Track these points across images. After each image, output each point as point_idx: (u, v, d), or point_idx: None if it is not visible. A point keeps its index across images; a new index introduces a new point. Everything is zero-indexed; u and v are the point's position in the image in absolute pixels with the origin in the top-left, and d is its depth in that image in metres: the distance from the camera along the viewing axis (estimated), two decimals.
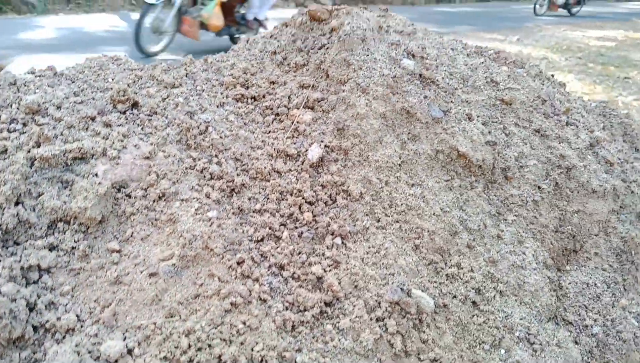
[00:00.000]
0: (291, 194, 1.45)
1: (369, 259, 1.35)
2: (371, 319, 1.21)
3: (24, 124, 1.44)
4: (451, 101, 1.72)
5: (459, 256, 1.45)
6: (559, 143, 1.76)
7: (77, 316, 1.10)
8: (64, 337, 1.06)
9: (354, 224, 1.43)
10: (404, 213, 1.47)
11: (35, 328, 1.07)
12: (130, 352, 1.05)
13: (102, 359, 1.02)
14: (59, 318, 1.08)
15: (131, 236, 1.26)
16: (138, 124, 1.54)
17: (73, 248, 1.21)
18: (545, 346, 1.36)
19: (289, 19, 1.95)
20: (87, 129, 1.45)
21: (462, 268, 1.42)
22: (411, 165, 1.57)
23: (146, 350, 1.05)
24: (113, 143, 1.41)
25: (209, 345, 1.06)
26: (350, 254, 1.35)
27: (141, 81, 1.74)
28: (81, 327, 1.08)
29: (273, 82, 1.80)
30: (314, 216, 1.42)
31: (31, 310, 1.08)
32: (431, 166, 1.59)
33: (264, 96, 1.76)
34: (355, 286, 1.27)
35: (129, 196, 1.34)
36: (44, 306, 1.10)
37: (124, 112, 1.57)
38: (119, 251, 1.22)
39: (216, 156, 1.50)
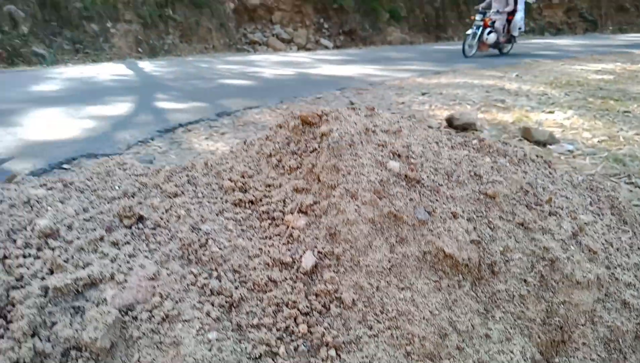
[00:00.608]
0: (287, 306, 1.54)
1: None
2: None
3: (38, 249, 1.56)
4: (436, 200, 1.82)
5: (449, 359, 1.52)
6: (542, 235, 1.84)
7: None
8: None
9: (347, 333, 1.51)
10: (395, 319, 1.55)
11: None
12: None
13: None
14: None
15: (138, 361, 1.35)
16: (143, 240, 1.65)
17: None
18: None
19: (283, 121, 2.10)
20: (96, 251, 1.56)
21: None
22: (400, 268, 1.66)
23: None
24: (120, 266, 1.52)
25: None
26: None
27: (145, 191, 1.87)
28: None
29: (269, 186, 1.92)
30: (309, 327, 1.51)
31: None
32: (419, 268, 1.68)
33: (260, 200, 1.88)
34: None
35: (135, 318, 1.44)
36: None
37: (130, 227, 1.69)
38: None
39: (215, 269, 1.60)
